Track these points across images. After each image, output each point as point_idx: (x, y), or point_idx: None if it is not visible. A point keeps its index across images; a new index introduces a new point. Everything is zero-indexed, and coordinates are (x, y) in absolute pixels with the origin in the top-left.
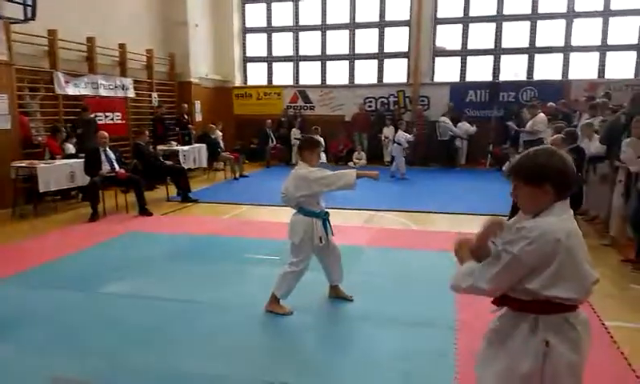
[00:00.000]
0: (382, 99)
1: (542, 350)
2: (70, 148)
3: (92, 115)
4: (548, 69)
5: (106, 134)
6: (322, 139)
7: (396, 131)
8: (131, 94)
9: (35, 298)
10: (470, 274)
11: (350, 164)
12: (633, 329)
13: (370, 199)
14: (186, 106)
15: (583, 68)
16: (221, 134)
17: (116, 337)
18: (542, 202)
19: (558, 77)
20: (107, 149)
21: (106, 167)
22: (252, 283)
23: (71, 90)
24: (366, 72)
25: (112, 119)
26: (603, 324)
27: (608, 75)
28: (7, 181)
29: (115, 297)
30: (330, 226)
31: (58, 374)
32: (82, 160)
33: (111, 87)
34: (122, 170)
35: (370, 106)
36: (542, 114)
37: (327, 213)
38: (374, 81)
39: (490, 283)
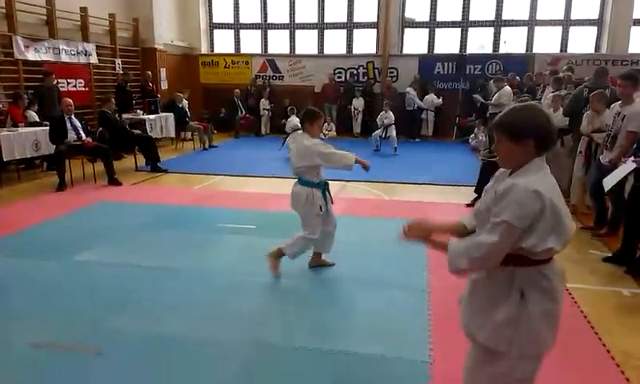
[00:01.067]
0: (352, 70)
1: (517, 300)
2: (34, 115)
3: (54, 82)
4: (513, 42)
5: (70, 101)
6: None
7: (365, 104)
8: (94, 60)
9: (8, 267)
10: (465, 252)
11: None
12: (591, 290)
13: (338, 170)
14: (150, 73)
15: (547, 42)
16: (187, 102)
17: (94, 302)
18: (521, 158)
19: (523, 50)
20: (72, 117)
21: (72, 135)
22: (228, 251)
23: (31, 56)
24: (336, 42)
25: (75, 86)
26: (566, 288)
27: (570, 49)
28: None
29: (90, 264)
30: (330, 195)
31: (43, 340)
32: (47, 128)
33: (73, 53)
34: (89, 139)
35: (339, 77)
36: (507, 87)
37: (326, 183)
38: (344, 51)
39: (490, 257)
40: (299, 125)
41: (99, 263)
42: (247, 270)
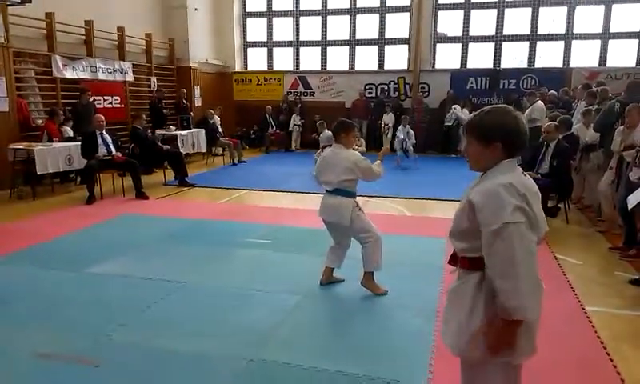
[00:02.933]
0: (383, 86)
1: (489, 306)
2: (69, 131)
3: (90, 99)
4: (550, 56)
5: (102, 117)
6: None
7: (396, 119)
8: (130, 77)
9: (26, 277)
10: (512, 285)
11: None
12: (612, 314)
13: (367, 185)
14: (184, 90)
15: (585, 56)
16: (219, 119)
17: (103, 315)
18: (490, 160)
19: (560, 64)
20: (104, 132)
21: (102, 150)
22: (242, 265)
23: (69, 74)
24: (367, 58)
25: (110, 103)
26: (584, 308)
27: (609, 63)
28: (5, 163)
29: (102, 276)
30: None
31: (44, 350)
32: (79, 143)
33: (109, 71)
34: (119, 154)
35: (369, 93)
36: (540, 103)
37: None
38: (375, 67)
39: (519, 265)
40: (332, 138)
41: (111, 275)
42: (255, 286)
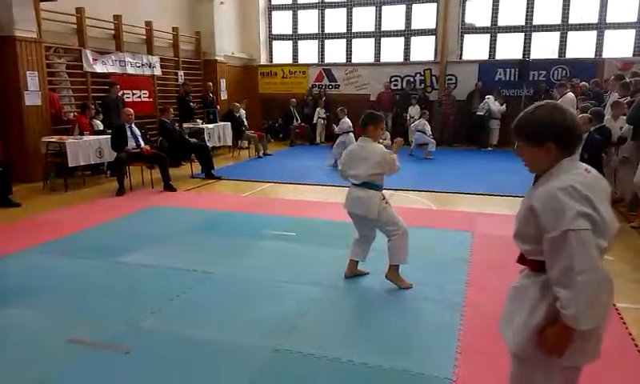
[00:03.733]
0: (408, 78)
1: (552, 308)
2: (99, 124)
3: (119, 93)
4: (581, 46)
5: (131, 110)
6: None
7: (421, 111)
8: (158, 72)
9: (59, 266)
10: (570, 295)
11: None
12: None
13: (393, 178)
14: (210, 84)
15: (618, 46)
16: (244, 112)
17: (133, 303)
18: (546, 161)
19: (591, 55)
20: (133, 125)
21: (131, 143)
22: (267, 257)
23: (99, 68)
24: (393, 50)
25: (139, 97)
26: (615, 305)
27: None
28: (38, 156)
29: (132, 265)
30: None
31: (75, 336)
32: (109, 136)
33: (138, 65)
34: (147, 147)
35: (395, 85)
36: (570, 94)
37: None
38: (401, 59)
39: (579, 274)
40: (351, 127)
41: (141, 265)
42: (280, 277)
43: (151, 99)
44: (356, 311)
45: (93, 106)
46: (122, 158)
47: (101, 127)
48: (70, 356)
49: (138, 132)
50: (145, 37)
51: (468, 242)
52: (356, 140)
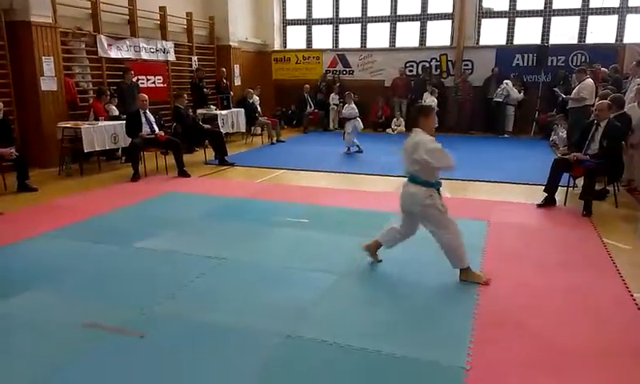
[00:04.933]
0: (424, 63)
1: None
2: (114, 110)
3: (134, 78)
4: (602, 31)
5: (145, 96)
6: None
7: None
8: (172, 57)
9: (75, 250)
10: None
11: (389, 130)
12: None
13: (402, 166)
14: (224, 70)
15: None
16: (258, 98)
17: (147, 288)
18: None
19: (612, 40)
20: (147, 111)
21: (145, 129)
22: (280, 244)
23: (114, 53)
24: (408, 35)
25: (153, 82)
26: (632, 295)
27: None
28: (54, 141)
29: (147, 251)
30: (441, 196)
31: (91, 320)
32: (124, 122)
33: (152, 51)
34: (162, 133)
35: (410, 71)
36: (589, 80)
37: (440, 183)
38: (416, 44)
39: None
40: (354, 112)
41: (155, 250)
42: (293, 264)
43: (165, 85)
44: (369, 299)
45: (108, 92)
46: (136, 143)
47: (116, 113)
48: (85, 340)
49: (152, 118)
50: (159, 22)
51: (483, 231)
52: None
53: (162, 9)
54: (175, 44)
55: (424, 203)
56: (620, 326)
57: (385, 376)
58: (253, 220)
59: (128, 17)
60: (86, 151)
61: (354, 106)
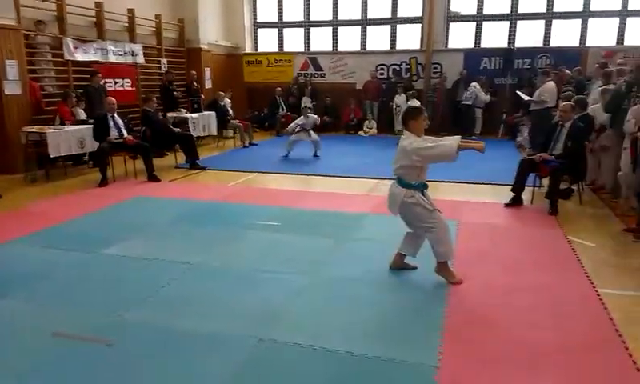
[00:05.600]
0: (394, 66)
1: None
2: (81, 113)
3: (102, 82)
4: (566, 35)
5: (113, 99)
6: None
7: (407, 99)
8: (140, 60)
9: (42, 258)
10: None
11: (361, 133)
12: (625, 296)
13: (375, 168)
14: (194, 72)
15: (602, 34)
16: (229, 101)
17: (117, 295)
18: None
19: (576, 43)
20: (115, 115)
21: (114, 133)
22: (253, 247)
23: (80, 56)
24: (379, 38)
25: (122, 86)
26: (596, 291)
27: (627, 42)
28: (19, 146)
29: (116, 257)
30: (428, 197)
31: (59, 330)
32: (91, 126)
33: (120, 53)
34: (130, 137)
35: (381, 74)
36: (550, 83)
37: (426, 185)
38: (387, 47)
39: None
40: (305, 124)
41: (125, 256)
42: (265, 267)
43: (134, 88)
44: (341, 301)
45: (74, 95)
46: (104, 148)
47: (83, 117)
48: (54, 349)
49: (120, 122)
50: (127, 24)
51: (454, 231)
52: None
53: (131, 11)
54: (144, 46)
55: (405, 202)
56: (587, 322)
57: (357, 377)
58: (224, 224)
59: (95, 19)
60: (52, 156)
61: (310, 117)
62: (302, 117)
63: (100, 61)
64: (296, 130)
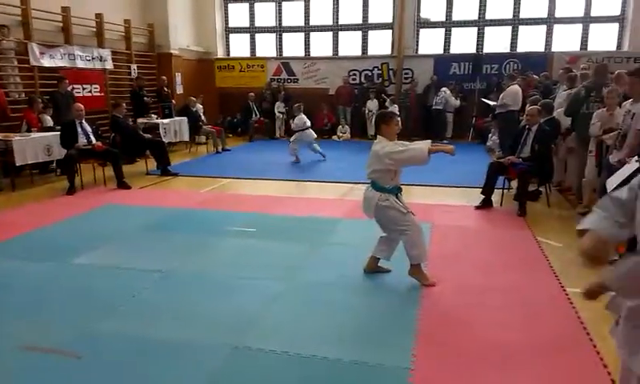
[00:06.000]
0: (366, 72)
1: None
2: (48, 120)
3: (69, 88)
4: (532, 41)
5: (81, 106)
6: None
7: (380, 105)
8: (109, 65)
9: (8, 269)
10: None
11: (335, 138)
12: None
13: (349, 172)
14: (165, 78)
15: (566, 40)
16: (201, 106)
17: (87, 306)
18: None
19: (542, 49)
20: (83, 121)
21: (82, 140)
22: (227, 254)
23: (47, 62)
24: (350, 44)
25: (90, 92)
26: (564, 290)
27: (591, 47)
28: None
29: (87, 267)
30: (402, 200)
31: (28, 343)
32: (59, 133)
33: (88, 59)
34: (99, 143)
35: (353, 79)
36: (514, 87)
37: (400, 188)
38: (358, 53)
39: None
40: (306, 123)
41: (95, 266)
42: (240, 274)
43: (103, 94)
44: (316, 306)
45: (41, 101)
46: (72, 155)
47: (50, 123)
48: (22, 364)
49: (88, 128)
50: (95, 29)
51: (427, 233)
52: (316, 135)
53: (99, 16)
54: (113, 52)
55: (379, 205)
56: (556, 321)
57: (332, 382)
58: (198, 231)
59: (61, 24)
60: (17, 164)
61: (303, 116)
62: (297, 117)
63: (67, 66)
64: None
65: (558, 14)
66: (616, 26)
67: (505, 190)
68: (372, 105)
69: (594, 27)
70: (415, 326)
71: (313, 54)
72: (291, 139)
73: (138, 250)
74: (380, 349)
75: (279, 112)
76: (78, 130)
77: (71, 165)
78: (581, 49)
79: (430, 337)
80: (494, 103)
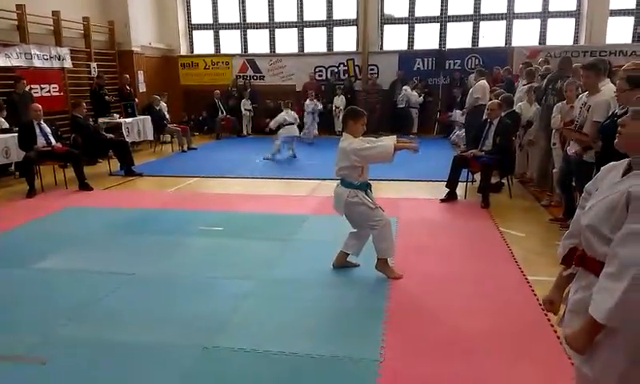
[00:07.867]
0: (332, 68)
1: None
2: (3, 122)
3: (27, 88)
4: (493, 36)
5: (39, 106)
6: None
7: (347, 102)
8: (68, 64)
9: None
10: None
11: (302, 135)
12: (553, 282)
13: (316, 169)
14: (127, 76)
15: (525, 35)
16: (165, 105)
17: (49, 311)
18: None
19: (502, 44)
20: (42, 122)
21: (41, 141)
22: (194, 254)
23: (1, 61)
24: (316, 40)
25: (48, 91)
26: (526, 278)
27: (549, 42)
28: None
29: (51, 271)
30: (371, 196)
31: None
32: (16, 135)
33: (46, 58)
34: (59, 144)
35: (320, 76)
36: (482, 82)
37: (369, 184)
38: (324, 49)
39: None
40: (286, 120)
41: (58, 270)
42: (208, 273)
43: (62, 94)
44: (286, 302)
45: None
46: (30, 157)
47: (6, 125)
48: None
49: (48, 129)
50: (52, 27)
51: (394, 227)
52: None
53: (56, 13)
54: (72, 50)
55: (348, 202)
56: (519, 308)
57: (302, 378)
58: (164, 231)
59: (17, 22)
60: None
61: (287, 112)
62: (283, 112)
63: (24, 66)
64: (284, 123)
65: (517, 10)
66: (572, 20)
67: (468, 183)
68: (338, 101)
69: (551, 22)
70: (384, 318)
71: (278, 50)
72: (279, 132)
73: (103, 253)
74: (349, 342)
75: (246, 109)
76: (37, 131)
77: (30, 167)
78: (540, 43)
79: (399, 328)
80: (467, 107)
